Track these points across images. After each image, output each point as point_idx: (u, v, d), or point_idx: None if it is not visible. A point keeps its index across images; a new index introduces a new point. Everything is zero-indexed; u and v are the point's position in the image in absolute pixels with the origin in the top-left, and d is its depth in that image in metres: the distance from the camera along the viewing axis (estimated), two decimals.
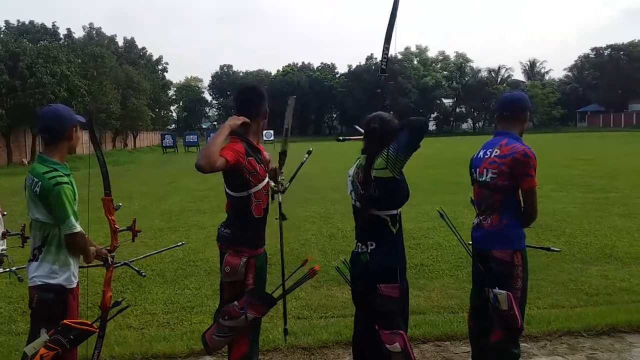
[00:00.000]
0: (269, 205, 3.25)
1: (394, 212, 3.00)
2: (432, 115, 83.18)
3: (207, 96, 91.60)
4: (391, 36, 3.58)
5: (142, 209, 12.09)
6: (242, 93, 3.37)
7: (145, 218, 10.74)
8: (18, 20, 47.37)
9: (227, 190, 3.16)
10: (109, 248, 3.25)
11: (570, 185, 13.72)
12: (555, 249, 4.03)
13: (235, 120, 3.07)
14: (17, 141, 31.56)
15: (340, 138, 3.84)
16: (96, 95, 35.07)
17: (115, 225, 3.25)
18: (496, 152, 3.30)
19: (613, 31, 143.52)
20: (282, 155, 3.44)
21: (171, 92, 77.75)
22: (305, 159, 3.80)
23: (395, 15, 3.59)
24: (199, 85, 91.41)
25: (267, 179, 3.20)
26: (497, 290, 3.14)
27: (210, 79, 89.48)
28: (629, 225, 8.72)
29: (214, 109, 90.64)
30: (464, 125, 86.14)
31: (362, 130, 3.13)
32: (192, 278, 6.36)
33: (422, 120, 2.96)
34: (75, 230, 2.81)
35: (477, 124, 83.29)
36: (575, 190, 12.97)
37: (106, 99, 37.31)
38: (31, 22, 46.87)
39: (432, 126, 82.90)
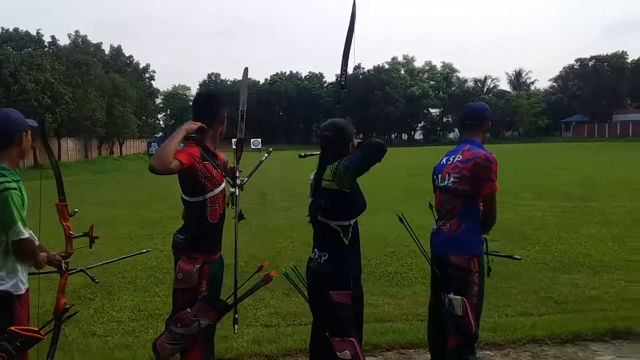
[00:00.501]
0: (225, 210, 3.23)
1: (346, 223, 2.97)
2: (419, 125, 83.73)
3: None
4: (349, 54, 3.59)
5: (121, 216, 12.00)
6: (200, 99, 3.40)
7: (124, 225, 10.67)
8: (2, 28, 46.84)
9: (183, 196, 3.15)
10: (63, 254, 3.20)
11: (550, 194, 13.84)
12: (517, 257, 4.03)
13: (192, 125, 3.08)
14: None
15: (302, 154, 3.85)
16: (80, 102, 34.78)
17: (70, 232, 3.20)
18: (458, 157, 3.34)
19: (597, 43, 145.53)
20: (239, 143, 3.41)
21: (158, 100, 77.34)
22: (264, 158, 3.80)
23: (353, 31, 3.60)
24: (187, 94, 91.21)
25: (223, 184, 3.19)
26: (452, 295, 3.13)
27: (198, 87, 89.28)
28: (604, 233, 8.79)
29: None
30: (451, 135, 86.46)
31: None
32: (163, 286, 6.29)
33: (379, 143, 2.83)
34: (23, 237, 2.75)
35: None
36: (554, 198, 13.08)
37: (91, 107, 37.03)
38: (15, 30, 46.48)
39: (419, 135, 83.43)
